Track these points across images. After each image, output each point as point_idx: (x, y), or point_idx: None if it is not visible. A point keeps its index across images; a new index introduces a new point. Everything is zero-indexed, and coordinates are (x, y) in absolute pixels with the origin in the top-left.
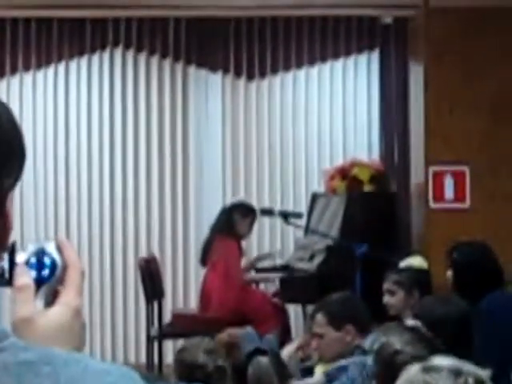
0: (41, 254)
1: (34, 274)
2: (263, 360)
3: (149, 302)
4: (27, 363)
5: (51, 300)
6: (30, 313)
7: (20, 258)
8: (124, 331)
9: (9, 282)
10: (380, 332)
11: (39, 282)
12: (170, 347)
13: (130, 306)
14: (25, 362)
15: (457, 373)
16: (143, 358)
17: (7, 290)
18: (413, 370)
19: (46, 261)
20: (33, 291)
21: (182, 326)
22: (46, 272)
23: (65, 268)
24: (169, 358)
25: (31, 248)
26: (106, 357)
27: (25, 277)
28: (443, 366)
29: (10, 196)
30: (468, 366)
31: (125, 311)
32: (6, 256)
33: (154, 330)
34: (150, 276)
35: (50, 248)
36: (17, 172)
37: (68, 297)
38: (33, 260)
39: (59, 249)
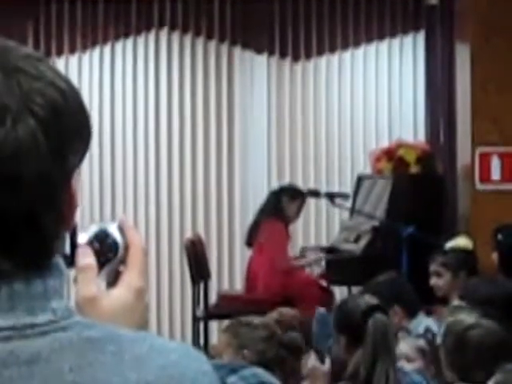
0: (103, 234)
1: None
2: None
3: (194, 282)
4: (92, 340)
5: (113, 281)
6: (93, 293)
7: (82, 238)
8: (170, 312)
9: (71, 263)
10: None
11: (101, 262)
12: (215, 328)
13: (176, 287)
14: (89, 340)
15: None
16: (189, 339)
17: (70, 271)
18: None
19: (108, 241)
20: (95, 272)
21: (228, 306)
22: (107, 253)
23: (127, 249)
24: (214, 338)
25: (93, 229)
26: None
27: (87, 257)
28: None
29: (75, 174)
30: None
31: (170, 292)
32: (68, 237)
33: (200, 311)
34: (196, 257)
35: (112, 229)
36: (82, 150)
37: (130, 277)
38: (94, 241)
39: (121, 229)
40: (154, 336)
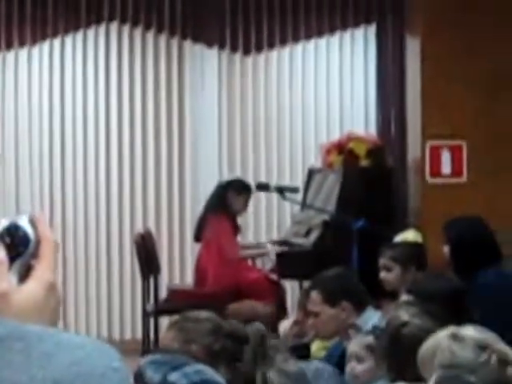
0: (13, 228)
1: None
2: (258, 325)
3: (145, 277)
4: None
5: (25, 275)
6: (4, 288)
7: None
8: (120, 307)
9: None
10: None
11: (12, 257)
12: (165, 323)
13: (126, 282)
14: None
15: (482, 347)
16: (139, 334)
17: None
18: (441, 335)
19: (19, 235)
20: (6, 267)
21: (178, 301)
22: (19, 247)
23: (38, 242)
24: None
25: (4, 223)
26: (101, 333)
27: None
28: (471, 337)
29: None
30: (497, 343)
31: (121, 287)
32: None
33: (150, 306)
34: (146, 252)
35: (23, 222)
36: None
37: (42, 271)
38: (5, 235)
39: (32, 223)
40: (63, 332)
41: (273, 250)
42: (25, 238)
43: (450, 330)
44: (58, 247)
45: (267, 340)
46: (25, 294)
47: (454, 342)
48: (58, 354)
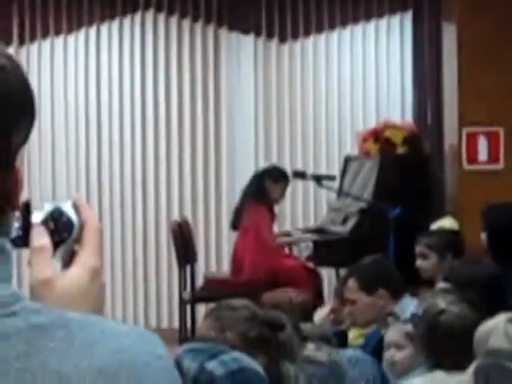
0: (57, 213)
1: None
2: None
3: (181, 266)
4: (40, 327)
5: (69, 261)
6: (48, 275)
7: (36, 218)
8: (157, 296)
9: (25, 244)
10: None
11: (56, 242)
12: (202, 311)
13: (163, 271)
14: (38, 326)
15: None
16: (176, 323)
17: (22, 252)
18: (498, 318)
19: (63, 220)
20: (50, 253)
21: (215, 289)
22: (62, 232)
23: (82, 227)
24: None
25: (47, 208)
26: (138, 321)
27: (42, 237)
28: None
29: (19, 153)
30: None
31: (157, 275)
32: (20, 216)
33: (187, 294)
34: (183, 240)
35: (67, 207)
36: (26, 129)
37: (86, 257)
38: (49, 220)
39: (76, 208)
40: (105, 320)
41: (305, 237)
42: (69, 224)
43: (508, 314)
44: (102, 233)
45: (287, 330)
46: (68, 280)
47: (510, 325)
48: (101, 341)
